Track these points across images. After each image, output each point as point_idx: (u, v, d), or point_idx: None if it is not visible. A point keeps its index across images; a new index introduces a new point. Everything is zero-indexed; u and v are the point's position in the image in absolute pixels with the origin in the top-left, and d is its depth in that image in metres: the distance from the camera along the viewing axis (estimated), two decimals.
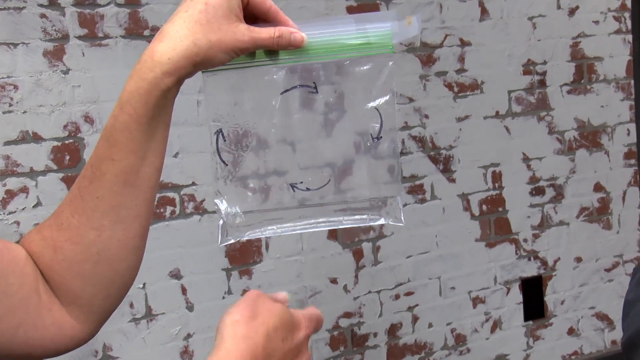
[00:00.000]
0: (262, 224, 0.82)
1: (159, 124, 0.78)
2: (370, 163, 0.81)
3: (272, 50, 0.80)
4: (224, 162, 0.80)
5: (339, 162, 0.81)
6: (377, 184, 0.81)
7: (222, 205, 0.81)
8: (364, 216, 0.82)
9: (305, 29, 0.79)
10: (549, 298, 2.97)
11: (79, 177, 0.80)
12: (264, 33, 0.78)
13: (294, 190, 0.81)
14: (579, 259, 3.02)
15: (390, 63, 0.79)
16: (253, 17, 0.80)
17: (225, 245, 0.80)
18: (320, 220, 0.82)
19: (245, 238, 0.81)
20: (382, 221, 0.81)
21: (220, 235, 0.82)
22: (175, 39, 0.75)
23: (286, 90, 0.80)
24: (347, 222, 0.82)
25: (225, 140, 0.80)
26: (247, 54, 0.79)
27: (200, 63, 0.76)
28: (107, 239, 0.79)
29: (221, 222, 0.81)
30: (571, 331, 3.02)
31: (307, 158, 0.82)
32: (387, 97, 0.79)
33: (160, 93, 0.76)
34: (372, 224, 0.81)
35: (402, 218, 0.81)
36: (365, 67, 0.79)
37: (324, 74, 0.80)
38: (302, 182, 0.81)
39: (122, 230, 0.79)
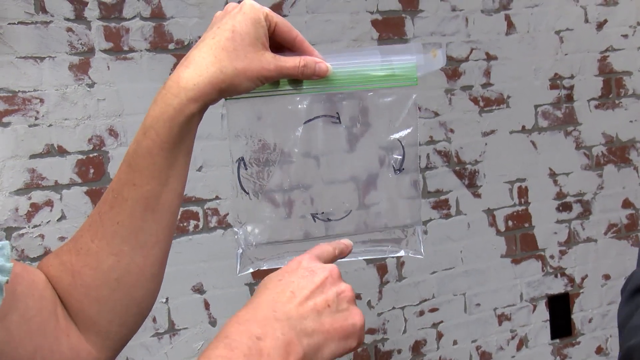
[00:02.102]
0: (281, 254, 0.81)
1: (181, 150, 0.77)
2: (391, 195, 0.79)
3: (296, 80, 0.79)
4: (245, 190, 0.79)
5: (360, 192, 0.80)
6: (398, 215, 0.80)
7: (242, 234, 0.80)
8: (384, 248, 0.81)
9: (330, 59, 0.79)
10: (577, 316, 2.92)
11: (99, 201, 0.80)
12: (289, 62, 0.78)
13: (315, 221, 0.80)
14: (607, 277, 2.97)
15: (414, 96, 0.77)
16: (278, 46, 0.80)
17: (244, 274, 0.79)
18: None
19: (264, 267, 0.80)
20: (402, 253, 0.80)
21: (239, 265, 0.81)
22: (202, 65, 0.75)
23: (309, 120, 0.79)
24: (366, 253, 0.81)
25: (246, 169, 0.79)
26: (272, 82, 0.79)
27: (226, 90, 0.76)
28: (126, 265, 0.78)
29: (240, 251, 0.80)
30: (599, 350, 2.97)
31: (329, 188, 0.80)
32: (410, 130, 0.78)
33: (185, 119, 0.75)
34: (391, 255, 0.79)
35: (422, 250, 0.80)
36: (388, 99, 0.78)
37: (347, 104, 0.79)
38: (323, 213, 0.80)
39: (142, 256, 0.79)
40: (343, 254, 0.78)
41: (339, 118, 0.79)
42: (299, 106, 0.79)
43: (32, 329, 0.77)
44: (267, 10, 0.78)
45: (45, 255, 2.08)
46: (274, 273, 0.72)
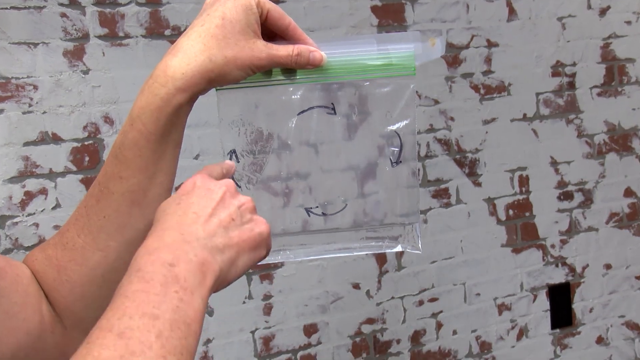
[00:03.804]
0: (276, 249, 0.78)
1: (169, 142, 0.74)
2: (388, 188, 0.77)
3: (289, 69, 0.77)
4: (237, 184, 0.76)
5: (356, 186, 0.78)
6: (395, 210, 0.77)
7: None
8: (381, 243, 0.79)
9: (325, 48, 0.76)
10: (577, 306, 2.90)
11: (86, 195, 0.77)
12: (282, 50, 0.75)
13: (309, 215, 0.77)
14: (608, 266, 2.95)
15: (412, 86, 0.75)
16: (271, 34, 0.77)
17: None
18: (336, 246, 0.79)
19: (259, 263, 0.78)
20: (399, 248, 0.78)
21: None
22: (190, 53, 0.72)
23: (303, 111, 0.76)
24: (363, 249, 0.78)
25: (238, 161, 0.76)
26: (264, 72, 0.76)
27: (215, 79, 0.73)
28: (113, 262, 0.76)
29: None
30: (600, 340, 2.95)
31: (324, 182, 0.78)
32: (408, 121, 0.76)
33: (172, 110, 0.73)
34: (388, 251, 0.77)
35: (420, 246, 0.78)
36: (385, 89, 0.75)
37: (343, 94, 0.76)
38: (317, 207, 0.77)
39: (129, 253, 0.76)
40: (229, 173, 0.76)
41: (334, 109, 0.76)
42: (293, 97, 0.76)
43: (15, 325, 0.74)
44: None
45: (40, 244, 2.06)
46: (169, 198, 0.70)
